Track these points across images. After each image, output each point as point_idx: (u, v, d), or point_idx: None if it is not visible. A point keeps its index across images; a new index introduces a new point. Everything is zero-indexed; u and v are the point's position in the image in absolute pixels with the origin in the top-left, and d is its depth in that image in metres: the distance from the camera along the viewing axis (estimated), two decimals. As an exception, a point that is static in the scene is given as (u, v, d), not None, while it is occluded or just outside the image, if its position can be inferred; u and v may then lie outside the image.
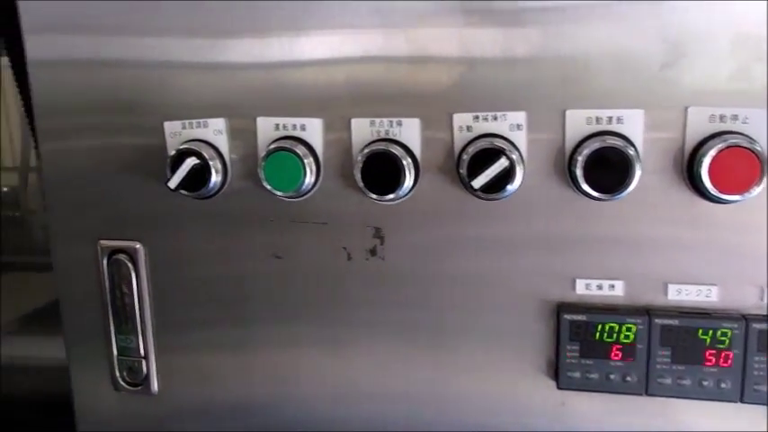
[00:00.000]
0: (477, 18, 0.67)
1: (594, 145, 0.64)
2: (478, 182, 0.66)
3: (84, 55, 0.77)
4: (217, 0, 0.72)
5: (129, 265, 0.81)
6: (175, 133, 0.76)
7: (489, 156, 0.66)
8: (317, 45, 0.71)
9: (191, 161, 0.72)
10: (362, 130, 0.71)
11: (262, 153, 0.73)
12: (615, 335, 0.69)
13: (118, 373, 0.85)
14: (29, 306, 2.09)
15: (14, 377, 1.69)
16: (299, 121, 0.73)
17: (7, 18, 0.89)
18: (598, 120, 0.66)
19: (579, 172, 0.65)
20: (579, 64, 0.66)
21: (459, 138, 0.69)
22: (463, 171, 0.68)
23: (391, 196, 0.69)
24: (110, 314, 0.83)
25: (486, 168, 0.66)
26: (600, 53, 0.65)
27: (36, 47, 0.78)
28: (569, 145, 0.67)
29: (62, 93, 0.78)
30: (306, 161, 0.72)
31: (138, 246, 0.81)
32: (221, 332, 0.81)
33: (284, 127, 0.73)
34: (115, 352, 0.84)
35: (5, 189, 3.84)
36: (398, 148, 0.69)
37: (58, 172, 0.81)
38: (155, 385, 0.84)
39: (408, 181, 0.69)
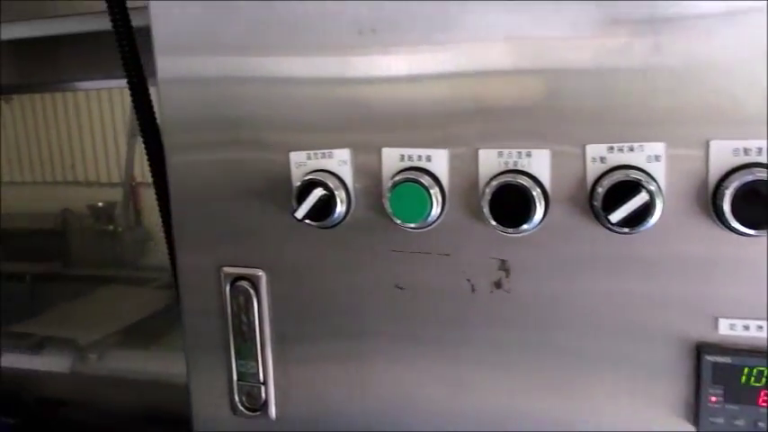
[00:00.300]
0: (616, 44, 0.65)
1: (746, 178, 0.60)
2: (616, 216, 0.63)
3: (211, 73, 0.79)
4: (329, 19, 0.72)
5: (251, 291, 0.82)
6: (300, 163, 0.77)
7: (627, 189, 0.64)
8: (441, 62, 0.70)
9: (318, 192, 0.73)
10: (490, 161, 0.70)
11: (386, 183, 0.73)
12: (764, 379, 0.65)
13: (237, 398, 0.86)
14: (125, 320, 2.18)
15: (112, 390, 1.75)
16: (424, 152, 0.72)
17: (129, 44, 0.94)
18: (746, 151, 0.63)
19: (726, 206, 0.62)
20: (723, 92, 0.63)
21: (593, 169, 0.67)
22: (597, 204, 0.65)
23: (524, 227, 0.68)
24: (231, 339, 0.85)
25: (625, 202, 0.63)
26: (747, 81, 0.62)
27: (166, 67, 0.80)
28: (713, 177, 0.64)
29: (189, 109, 0.81)
30: (432, 192, 0.71)
31: (260, 273, 0.82)
32: (340, 362, 0.81)
33: (409, 158, 0.73)
34: (235, 377, 0.86)
35: (100, 204, 4.04)
36: (527, 178, 0.68)
37: (185, 185, 0.84)
38: (273, 411, 0.85)
39: (539, 213, 0.68)
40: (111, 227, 3.71)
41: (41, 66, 2.26)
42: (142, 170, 4.37)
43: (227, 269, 0.83)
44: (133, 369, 1.70)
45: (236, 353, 0.85)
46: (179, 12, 0.78)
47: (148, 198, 4.25)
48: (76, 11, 1.41)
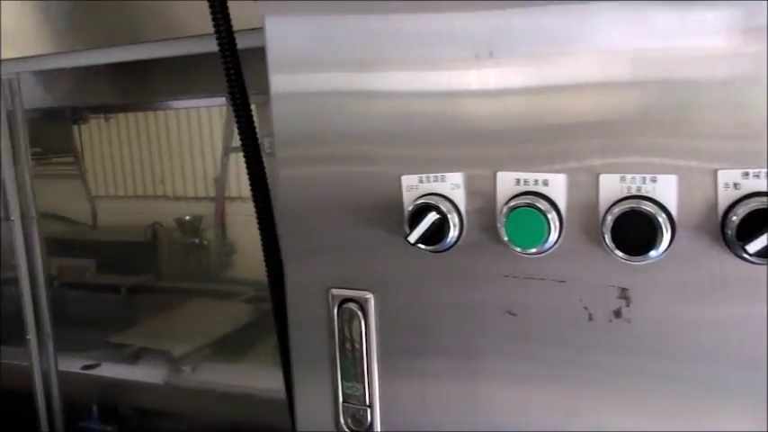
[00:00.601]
0: (753, 52, 0.61)
1: None
2: (754, 246, 0.60)
3: (323, 88, 0.80)
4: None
5: (359, 313, 0.82)
6: (412, 186, 0.76)
7: (764, 218, 0.60)
8: (562, 77, 0.69)
9: (431, 216, 0.73)
10: (611, 186, 0.68)
11: (501, 208, 0.71)
12: None
13: (342, 420, 0.87)
14: (215, 333, 2.23)
15: (204, 402, 1.79)
16: (541, 176, 0.71)
17: (234, 64, 0.96)
18: None
19: None
20: None
21: (725, 196, 0.64)
22: (731, 233, 0.62)
23: (651, 255, 0.65)
24: (337, 360, 0.85)
25: (763, 232, 0.60)
26: None
27: (279, 82, 0.82)
28: None
29: (301, 124, 0.82)
30: (549, 216, 0.69)
31: (368, 296, 0.82)
32: (449, 388, 0.80)
33: (525, 182, 0.72)
34: (340, 398, 0.86)
35: (188, 218, 4.16)
36: (652, 204, 0.65)
37: (294, 199, 0.85)
38: (378, 434, 0.85)
39: (665, 241, 0.65)
40: (197, 240, 3.83)
41: (138, 86, 2.36)
42: (228, 185, 4.52)
43: (335, 291, 0.84)
44: (225, 382, 1.73)
45: (342, 374, 0.85)
46: (293, 28, 0.80)
47: (233, 212, 4.38)
48: (170, 34, 1.48)
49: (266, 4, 0.80)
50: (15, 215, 1.75)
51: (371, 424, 0.85)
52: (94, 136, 2.58)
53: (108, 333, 2.21)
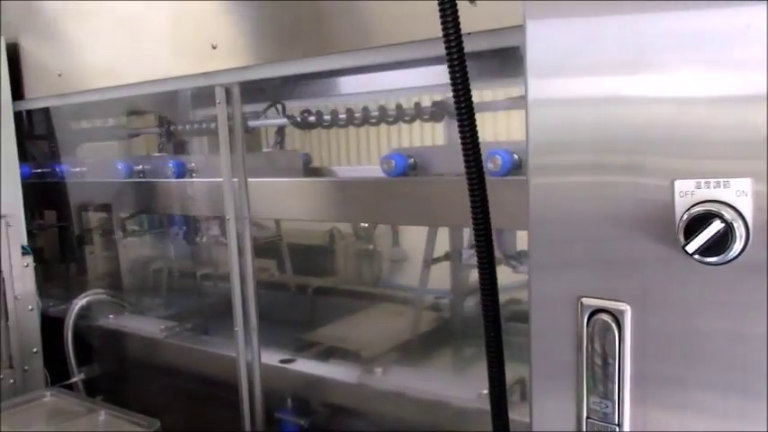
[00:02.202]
0: None
1: None
2: None
3: (587, 94, 0.77)
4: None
5: (613, 326, 0.78)
6: (686, 192, 0.71)
7: None
8: None
9: (716, 225, 0.67)
10: None
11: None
12: None
13: (585, 436, 0.82)
14: (400, 337, 2.26)
15: (392, 405, 1.81)
16: None
17: (461, 69, 0.95)
18: None
19: None
20: None
21: None
22: None
23: None
24: (584, 374, 0.81)
25: None
26: None
27: (538, 87, 0.80)
28: None
29: (559, 131, 0.80)
30: None
31: (625, 307, 0.77)
32: (714, 419, 0.73)
33: (831, 191, 0.64)
34: (584, 414, 0.82)
35: (363, 225, 4.29)
36: None
37: (545, 208, 0.82)
38: (626, 456, 0.80)
39: None
40: (371, 246, 3.94)
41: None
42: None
43: (586, 300, 0.80)
44: (415, 386, 1.74)
45: (588, 389, 0.81)
46: (556, 30, 0.77)
47: (406, 221, 4.45)
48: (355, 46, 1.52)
49: (532, 5, 0.78)
50: (230, 215, 1.88)
51: (619, 444, 0.80)
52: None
53: (298, 331, 2.32)
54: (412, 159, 1.74)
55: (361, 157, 5.06)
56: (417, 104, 1.94)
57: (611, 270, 0.78)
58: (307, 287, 2.74)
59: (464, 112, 0.99)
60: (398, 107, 1.97)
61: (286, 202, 1.93)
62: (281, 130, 2.59)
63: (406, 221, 1.99)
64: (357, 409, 1.90)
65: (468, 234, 2.16)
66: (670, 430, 0.77)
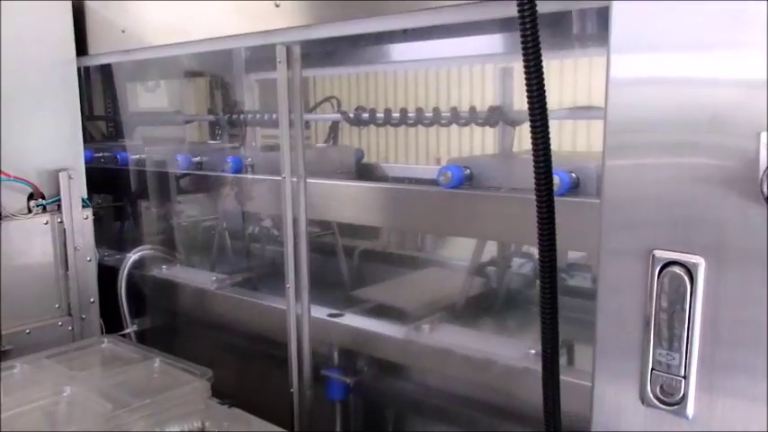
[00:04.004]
0: None
1: None
2: None
3: (671, 73, 0.77)
4: None
5: (686, 279, 0.78)
6: (773, 144, 0.70)
7: None
8: None
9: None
10: None
11: None
12: None
13: (649, 388, 0.83)
14: (447, 300, 2.27)
15: (439, 362, 1.82)
16: None
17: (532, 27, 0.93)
18: None
19: None
20: None
21: None
22: None
23: None
24: (652, 326, 0.82)
25: None
26: None
27: (620, 65, 0.81)
28: None
29: (638, 110, 0.80)
30: None
31: (699, 260, 0.77)
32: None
33: None
34: (650, 366, 0.82)
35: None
36: None
37: (619, 169, 0.83)
38: (690, 409, 0.80)
39: None
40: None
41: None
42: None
43: (659, 252, 0.80)
44: (463, 344, 1.75)
45: (655, 341, 0.82)
46: (643, 8, 0.77)
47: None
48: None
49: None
50: (286, 172, 1.91)
51: (684, 396, 0.80)
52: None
53: (347, 290, 2.36)
54: (468, 170, 1.77)
55: (410, 154, 5.08)
56: (473, 108, 1.99)
57: (686, 224, 0.78)
58: (353, 250, 2.76)
59: (533, 70, 0.97)
60: (453, 110, 2.01)
61: (342, 203, 1.98)
62: (334, 126, 2.65)
63: (460, 233, 2.03)
64: (403, 365, 1.92)
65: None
66: (739, 386, 0.77)
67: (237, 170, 2.35)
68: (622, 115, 0.81)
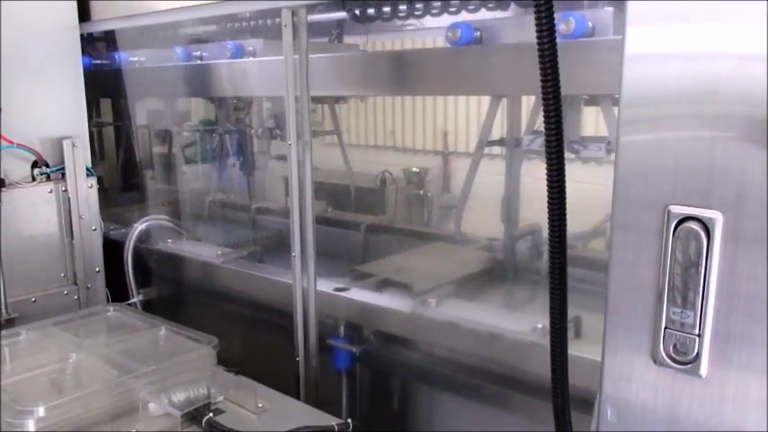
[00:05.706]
0: None
1: None
2: None
3: (683, 47, 0.75)
4: None
5: (702, 234, 0.76)
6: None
7: None
8: None
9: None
10: None
11: None
12: None
13: (662, 347, 0.81)
14: (453, 274, 2.26)
15: (445, 335, 1.82)
16: None
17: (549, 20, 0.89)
18: None
19: None
20: None
21: None
22: None
23: None
24: (665, 283, 0.80)
25: None
26: None
27: (636, 38, 0.78)
28: None
29: (651, 84, 0.78)
30: None
31: (716, 215, 0.75)
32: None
33: None
34: (663, 324, 0.81)
35: (414, 169, 4.27)
36: None
37: (635, 140, 0.80)
38: (704, 368, 0.78)
39: None
40: (421, 191, 3.94)
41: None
42: (455, 140, 4.59)
43: (674, 207, 0.78)
44: (469, 318, 1.75)
45: (669, 299, 0.80)
46: None
47: (457, 167, 4.44)
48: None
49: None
50: (292, 140, 1.88)
51: (698, 354, 0.78)
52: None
53: (353, 264, 2.34)
54: (478, 32, 1.68)
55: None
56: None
57: (704, 177, 0.76)
58: (359, 224, 2.75)
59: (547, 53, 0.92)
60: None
61: (346, 76, 1.92)
62: (339, 25, 2.61)
63: (468, 91, 1.97)
64: (408, 338, 1.92)
65: (525, 121, 2.13)
66: (756, 345, 0.75)
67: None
68: (637, 89, 0.79)
